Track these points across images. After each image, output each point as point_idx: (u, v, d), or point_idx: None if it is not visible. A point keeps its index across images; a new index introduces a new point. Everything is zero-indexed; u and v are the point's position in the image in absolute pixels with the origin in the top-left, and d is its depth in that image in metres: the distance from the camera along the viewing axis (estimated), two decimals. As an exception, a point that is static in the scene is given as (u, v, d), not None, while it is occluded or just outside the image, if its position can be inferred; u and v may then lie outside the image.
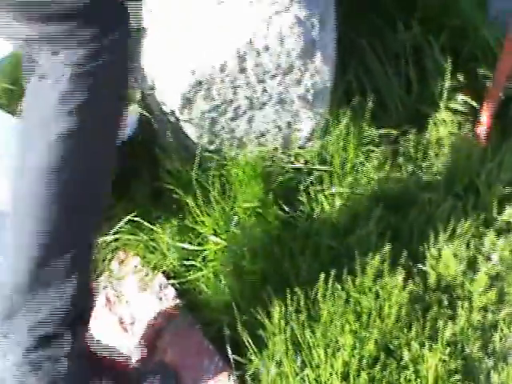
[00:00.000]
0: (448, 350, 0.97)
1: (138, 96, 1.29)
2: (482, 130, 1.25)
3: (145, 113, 1.31)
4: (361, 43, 1.35)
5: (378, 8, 1.40)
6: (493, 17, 1.33)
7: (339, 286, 1.03)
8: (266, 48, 1.20)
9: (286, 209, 1.20)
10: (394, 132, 1.30)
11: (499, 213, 1.17)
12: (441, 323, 1.00)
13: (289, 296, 1.02)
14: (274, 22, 1.18)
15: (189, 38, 1.25)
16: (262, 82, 1.21)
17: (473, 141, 1.26)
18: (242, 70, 1.20)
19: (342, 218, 1.17)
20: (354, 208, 1.18)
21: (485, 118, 1.23)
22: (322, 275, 1.01)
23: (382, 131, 1.27)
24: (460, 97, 1.31)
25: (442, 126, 1.29)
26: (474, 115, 1.29)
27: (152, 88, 1.27)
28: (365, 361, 0.97)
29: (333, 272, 1.01)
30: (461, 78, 1.34)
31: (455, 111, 1.30)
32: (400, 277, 1.02)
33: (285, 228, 1.18)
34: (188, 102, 1.23)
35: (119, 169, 1.19)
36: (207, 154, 1.29)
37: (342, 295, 1.02)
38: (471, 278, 1.07)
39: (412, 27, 1.36)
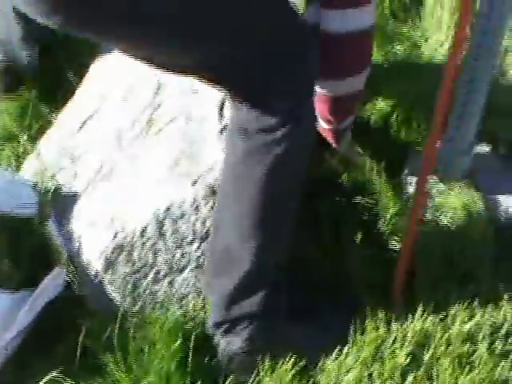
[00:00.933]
0: None
1: (65, 257, 1.32)
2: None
3: (70, 274, 1.32)
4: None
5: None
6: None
7: None
8: (182, 215, 1.26)
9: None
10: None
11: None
12: None
13: None
14: (190, 191, 1.26)
15: (111, 201, 1.32)
16: (180, 247, 1.27)
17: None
18: (161, 235, 1.26)
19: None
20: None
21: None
22: None
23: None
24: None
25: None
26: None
27: (78, 249, 1.30)
28: None
29: None
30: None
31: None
32: None
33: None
34: (110, 264, 1.26)
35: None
36: (129, 315, 1.28)
37: None
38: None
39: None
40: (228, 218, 1.22)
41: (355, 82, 1.31)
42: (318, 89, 1.30)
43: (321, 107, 1.37)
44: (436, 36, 1.77)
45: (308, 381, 1.21)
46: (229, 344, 1.22)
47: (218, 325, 1.22)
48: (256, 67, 1.11)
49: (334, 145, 1.46)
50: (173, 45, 1.06)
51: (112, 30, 1.05)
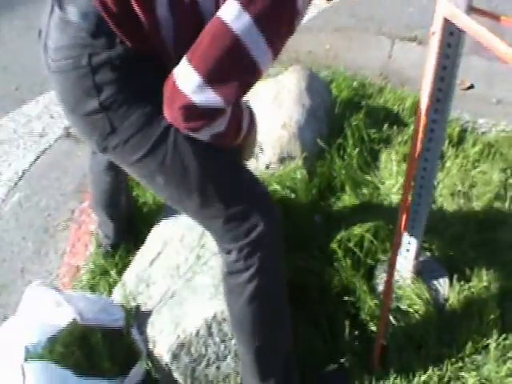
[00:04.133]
0: None
1: (145, 354, 1.49)
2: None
3: (149, 365, 1.49)
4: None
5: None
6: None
7: None
8: (224, 319, 1.44)
9: None
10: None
11: None
12: None
13: None
14: None
15: (174, 314, 1.49)
16: (223, 341, 1.47)
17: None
18: (210, 335, 1.46)
19: None
20: None
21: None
22: None
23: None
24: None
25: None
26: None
27: (153, 348, 1.48)
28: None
29: None
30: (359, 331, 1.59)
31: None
32: None
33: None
34: (175, 357, 1.46)
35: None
36: None
37: None
38: None
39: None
40: (234, 334, 1.37)
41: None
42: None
43: None
44: (389, 181, 2.00)
45: None
46: None
47: None
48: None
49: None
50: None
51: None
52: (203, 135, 1.07)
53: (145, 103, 1.08)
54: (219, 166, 1.16)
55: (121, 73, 1.07)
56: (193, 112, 1.01)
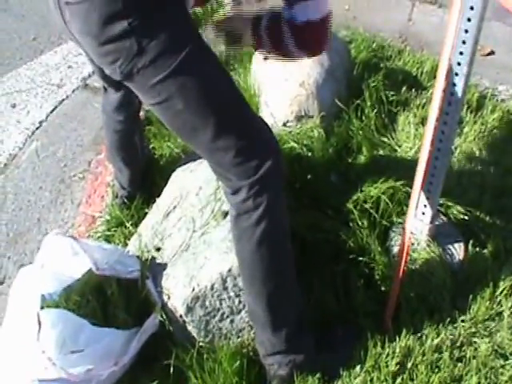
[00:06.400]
0: None
1: (159, 306, 1.46)
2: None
3: (163, 317, 1.46)
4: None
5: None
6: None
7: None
8: (239, 274, 1.37)
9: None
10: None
11: None
12: None
13: None
14: None
15: (189, 267, 1.45)
16: (238, 296, 1.44)
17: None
18: (225, 289, 1.42)
19: None
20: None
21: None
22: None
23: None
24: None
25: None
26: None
27: (168, 300, 1.46)
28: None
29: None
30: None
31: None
32: None
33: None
34: (189, 309, 1.43)
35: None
36: (204, 344, 1.45)
37: None
38: None
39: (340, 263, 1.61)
40: (243, 283, 1.35)
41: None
42: None
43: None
44: (406, 144, 1.93)
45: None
46: (272, 370, 1.37)
47: (263, 357, 1.38)
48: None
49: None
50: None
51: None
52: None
53: (172, 26, 1.09)
54: (237, 96, 1.20)
55: None
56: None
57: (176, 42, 1.09)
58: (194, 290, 1.43)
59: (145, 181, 1.88)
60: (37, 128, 2.40)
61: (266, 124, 1.29)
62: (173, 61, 1.09)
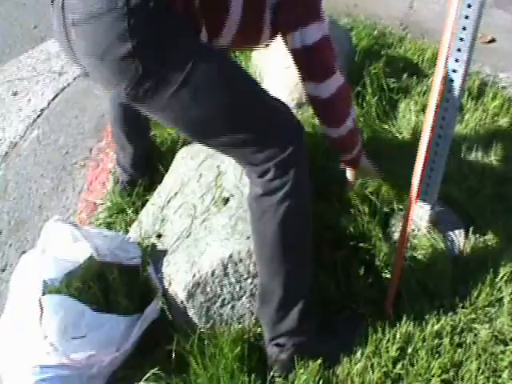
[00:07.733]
0: None
1: (160, 292, 1.44)
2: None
3: (164, 303, 1.45)
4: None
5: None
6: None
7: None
8: (240, 260, 1.41)
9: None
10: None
11: None
12: None
13: None
14: (246, 243, 1.39)
15: (190, 253, 1.43)
16: (238, 282, 1.43)
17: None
18: (226, 275, 1.41)
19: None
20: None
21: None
22: None
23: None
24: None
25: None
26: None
27: (169, 286, 1.44)
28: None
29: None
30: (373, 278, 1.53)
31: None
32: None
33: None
34: (191, 295, 1.41)
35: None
36: (205, 330, 1.43)
37: None
38: None
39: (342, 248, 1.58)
40: (259, 263, 1.33)
41: (348, 124, 1.39)
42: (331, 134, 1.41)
43: (337, 146, 1.47)
44: (407, 131, 1.92)
45: (329, 371, 1.34)
46: (274, 355, 1.35)
47: (268, 340, 1.36)
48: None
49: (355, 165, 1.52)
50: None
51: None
52: None
53: (176, 41, 1.08)
54: (254, 88, 1.21)
55: (153, 17, 1.05)
56: None
57: (181, 56, 1.08)
58: (194, 276, 1.42)
59: (148, 165, 1.85)
60: (38, 116, 2.37)
61: (285, 105, 1.28)
62: (180, 74, 1.08)
